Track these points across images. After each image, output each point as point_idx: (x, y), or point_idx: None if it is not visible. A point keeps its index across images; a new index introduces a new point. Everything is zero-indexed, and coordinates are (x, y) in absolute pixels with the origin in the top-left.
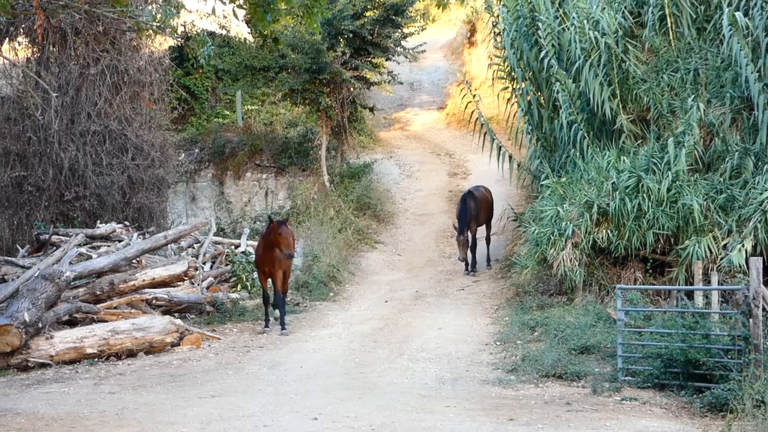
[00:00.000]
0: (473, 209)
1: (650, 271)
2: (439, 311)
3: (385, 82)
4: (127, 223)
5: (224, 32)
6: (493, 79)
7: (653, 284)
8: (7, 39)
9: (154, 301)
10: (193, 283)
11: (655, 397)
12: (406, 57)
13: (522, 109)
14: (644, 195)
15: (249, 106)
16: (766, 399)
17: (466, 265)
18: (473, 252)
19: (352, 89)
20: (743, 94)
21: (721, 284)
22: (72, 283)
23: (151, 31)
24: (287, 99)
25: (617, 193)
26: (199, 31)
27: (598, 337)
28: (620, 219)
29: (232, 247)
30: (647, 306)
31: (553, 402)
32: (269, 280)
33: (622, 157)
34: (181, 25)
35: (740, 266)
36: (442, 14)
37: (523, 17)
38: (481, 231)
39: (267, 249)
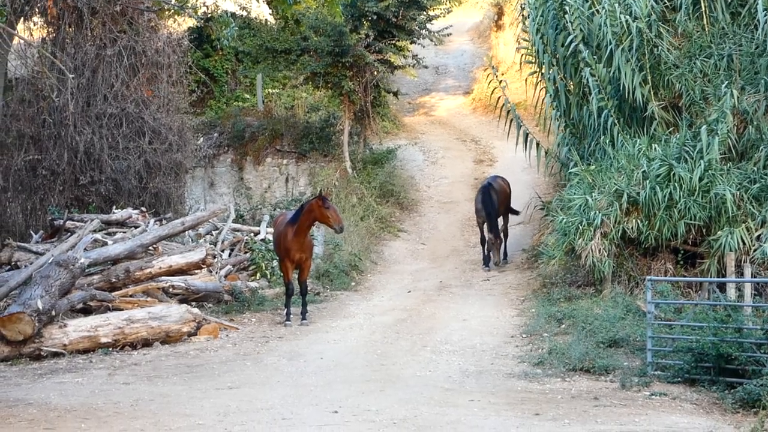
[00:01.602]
0: (496, 203)
1: (681, 262)
2: (463, 302)
3: (409, 65)
4: (143, 208)
5: (245, 14)
6: (520, 63)
7: (684, 276)
8: (22, 18)
9: (170, 290)
10: (210, 271)
11: (686, 393)
12: (431, 40)
13: (550, 95)
14: (675, 184)
15: (270, 90)
16: None
17: (485, 259)
18: (483, 245)
19: (375, 73)
20: None
21: (755, 276)
22: (87, 270)
23: (171, 10)
24: (309, 82)
25: (648, 181)
26: (221, 11)
27: (627, 330)
28: (651, 208)
29: (252, 234)
30: (678, 298)
31: (581, 396)
32: (296, 269)
33: (653, 145)
34: (203, 5)
35: None
36: None
37: (551, 1)
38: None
39: (299, 233)
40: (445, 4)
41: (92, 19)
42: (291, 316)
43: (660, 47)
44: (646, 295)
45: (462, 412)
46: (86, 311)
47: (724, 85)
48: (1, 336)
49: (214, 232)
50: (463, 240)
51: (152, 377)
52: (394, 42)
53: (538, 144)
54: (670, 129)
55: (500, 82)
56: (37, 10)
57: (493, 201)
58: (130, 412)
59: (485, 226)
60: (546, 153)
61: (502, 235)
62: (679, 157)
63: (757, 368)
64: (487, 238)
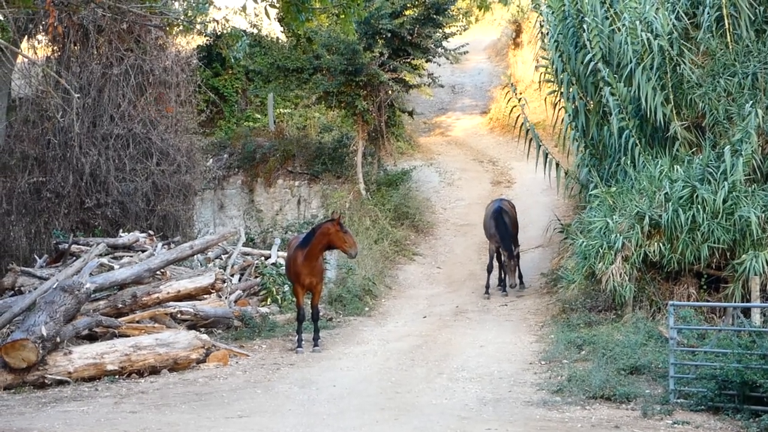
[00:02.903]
0: (509, 226)
1: (704, 286)
2: (480, 328)
3: (425, 84)
4: (151, 232)
5: (255, 31)
6: (539, 82)
7: (708, 301)
8: (26, 36)
9: (178, 315)
10: (220, 297)
11: (709, 421)
12: (447, 58)
13: (569, 115)
14: (699, 206)
15: (281, 110)
16: None
17: (499, 283)
18: (490, 273)
19: (390, 92)
20: None
21: None
22: (92, 296)
23: (181, 26)
24: (321, 102)
25: (670, 204)
26: (231, 27)
27: (648, 357)
28: (673, 231)
29: (262, 258)
30: (701, 324)
31: (601, 425)
32: (307, 293)
33: (675, 166)
34: (213, 21)
35: None
36: (485, 14)
37: (571, 17)
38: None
39: (310, 257)
40: (462, 22)
41: (98, 37)
42: (302, 342)
43: (682, 66)
44: (669, 320)
45: None
46: (92, 338)
47: (748, 105)
48: (4, 363)
49: (223, 256)
50: (480, 264)
51: (160, 406)
52: (409, 60)
53: (557, 165)
54: (693, 149)
55: (519, 100)
56: (41, 27)
57: (507, 225)
58: None
59: (497, 251)
60: (566, 174)
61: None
62: (703, 178)
63: None
64: (502, 261)
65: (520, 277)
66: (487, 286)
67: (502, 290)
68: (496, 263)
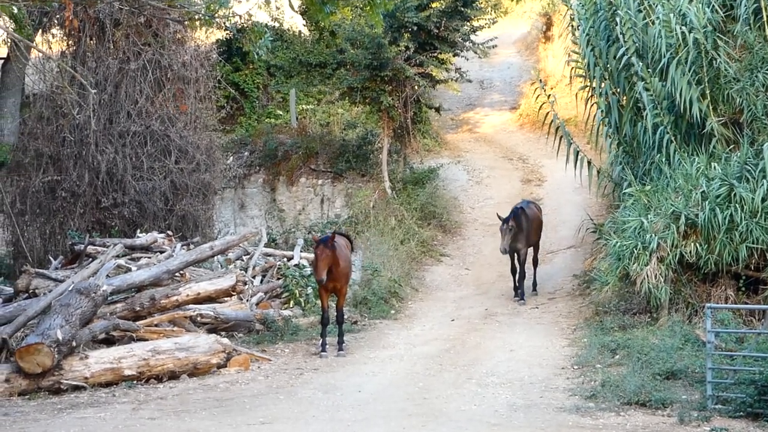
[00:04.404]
0: (525, 226)
1: (743, 288)
2: (510, 331)
3: (452, 79)
4: (169, 232)
5: (277, 25)
6: (570, 77)
7: (746, 303)
8: (40, 30)
9: (198, 318)
10: (241, 299)
11: (748, 428)
12: (475, 52)
13: (602, 111)
14: (737, 205)
15: (304, 106)
16: None
17: (516, 290)
18: (523, 278)
19: (416, 87)
20: None
21: None
22: (109, 298)
23: (201, 20)
24: (345, 98)
25: (707, 202)
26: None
27: (685, 361)
28: (710, 231)
29: (285, 259)
30: (739, 327)
31: None
32: (332, 296)
33: (712, 164)
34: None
35: None
36: (515, 6)
37: (603, 10)
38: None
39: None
40: (490, 14)
41: (115, 32)
42: (326, 346)
43: (719, 60)
44: (706, 323)
45: None
46: (109, 342)
47: None
48: (19, 368)
49: (244, 257)
50: (510, 265)
51: (179, 412)
52: (435, 55)
53: (589, 162)
54: (731, 146)
55: (549, 96)
56: (56, 21)
57: (522, 226)
58: None
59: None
60: (598, 172)
61: (528, 266)
62: (740, 176)
63: None
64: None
65: (534, 284)
66: (515, 289)
67: (519, 298)
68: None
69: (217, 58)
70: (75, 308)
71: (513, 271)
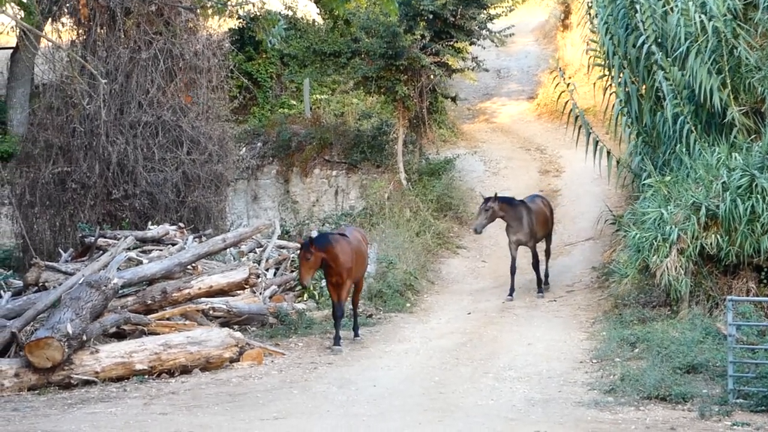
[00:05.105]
0: (526, 220)
1: (765, 281)
2: (528, 325)
3: (468, 68)
4: (181, 224)
5: (290, 13)
6: (589, 66)
7: None
8: (50, 19)
9: (211, 312)
10: (254, 292)
11: None
12: (492, 41)
13: (620, 100)
14: (758, 196)
15: (317, 96)
16: None
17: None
18: (537, 269)
19: (432, 77)
20: None
21: None
22: (120, 292)
23: (213, 8)
24: (360, 88)
25: (728, 193)
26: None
27: (706, 355)
28: (731, 222)
29: (299, 251)
30: (761, 320)
31: (656, 427)
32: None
33: (733, 154)
34: (248, 3)
35: None
36: None
37: None
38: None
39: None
40: (508, 2)
41: (126, 20)
42: (340, 340)
43: (739, 48)
44: (727, 316)
45: None
46: (120, 336)
47: None
48: (28, 363)
49: (257, 250)
50: (527, 257)
51: (191, 407)
52: (452, 43)
53: (608, 153)
54: (752, 136)
55: (568, 85)
56: (66, 10)
57: (522, 219)
58: None
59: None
60: (617, 163)
61: (542, 259)
62: (762, 166)
63: None
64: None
65: (546, 278)
66: (539, 283)
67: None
68: (539, 258)
69: (229, 48)
70: (85, 302)
71: (512, 270)
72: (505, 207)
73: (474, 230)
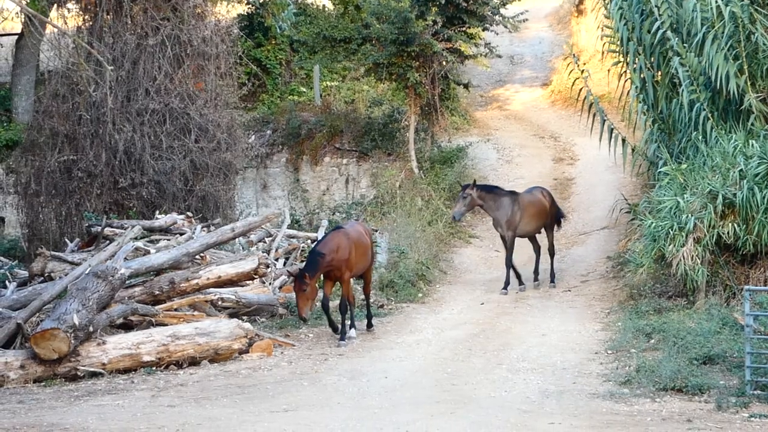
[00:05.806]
0: (507, 209)
1: None
2: (542, 315)
3: (481, 55)
4: (189, 213)
5: None
6: (603, 52)
7: None
8: (55, 5)
9: (219, 303)
10: (264, 282)
11: None
12: (505, 27)
13: (636, 87)
14: None
15: (328, 83)
16: None
17: (519, 280)
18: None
19: (444, 63)
20: None
21: None
22: (127, 282)
23: None
24: (371, 74)
25: (745, 181)
26: None
27: (723, 346)
28: (749, 211)
29: (309, 241)
30: None
31: (672, 419)
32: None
33: (750, 141)
34: None
35: None
36: None
37: None
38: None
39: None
40: None
41: (132, 6)
42: (353, 330)
43: (756, 33)
44: (744, 306)
45: None
46: (127, 327)
47: None
48: (34, 354)
49: (267, 239)
50: (541, 246)
51: (200, 399)
52: (464, 29)
53: (624, 140)
54: None
55: (582, 72)
56: None
57: (504, 208)
58: None
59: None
60: (632, 150)
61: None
62: None
63: None
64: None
65: (552, 275)
66: (552, 274)
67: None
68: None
69: (238, 33)
70: (92, 292)
71: (508, 262)
72: (484, 195)
73: (453, 218)
